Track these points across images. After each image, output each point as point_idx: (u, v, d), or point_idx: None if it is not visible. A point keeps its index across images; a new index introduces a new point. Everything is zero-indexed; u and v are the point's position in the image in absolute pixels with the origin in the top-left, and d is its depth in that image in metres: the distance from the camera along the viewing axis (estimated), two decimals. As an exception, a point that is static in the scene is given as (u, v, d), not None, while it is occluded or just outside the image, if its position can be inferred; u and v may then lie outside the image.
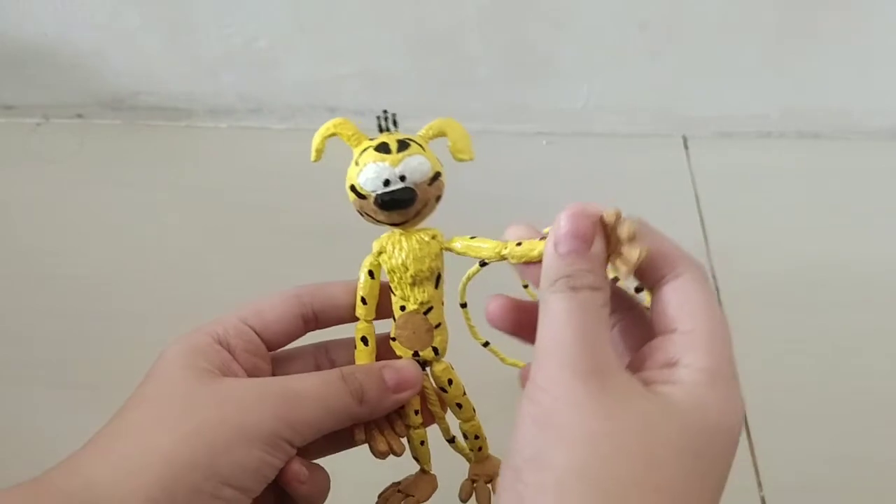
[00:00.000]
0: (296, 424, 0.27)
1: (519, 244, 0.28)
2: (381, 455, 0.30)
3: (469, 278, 0.43)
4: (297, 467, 0.28)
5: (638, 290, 0.34)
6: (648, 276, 0.26)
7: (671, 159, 0.68)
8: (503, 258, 0.28)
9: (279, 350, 0.32)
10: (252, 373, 0.29)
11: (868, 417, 0.47)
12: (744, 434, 0.46)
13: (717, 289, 0.54)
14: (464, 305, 0.44)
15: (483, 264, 0.40)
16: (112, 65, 0.71)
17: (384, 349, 0.31)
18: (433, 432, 0.32)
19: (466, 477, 0.33)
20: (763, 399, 0.48)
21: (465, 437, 0.32)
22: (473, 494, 0.32)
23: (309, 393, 0.28)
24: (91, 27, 0.69)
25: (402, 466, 0.33)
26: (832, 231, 0.60)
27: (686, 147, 0.69)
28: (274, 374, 0.31)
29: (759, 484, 0.44)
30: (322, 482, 0.30)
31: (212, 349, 0.28)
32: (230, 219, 0.63)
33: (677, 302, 0.25)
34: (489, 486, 0.32)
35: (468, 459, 0.33)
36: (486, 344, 0.47)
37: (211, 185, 0.67)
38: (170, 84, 0.72)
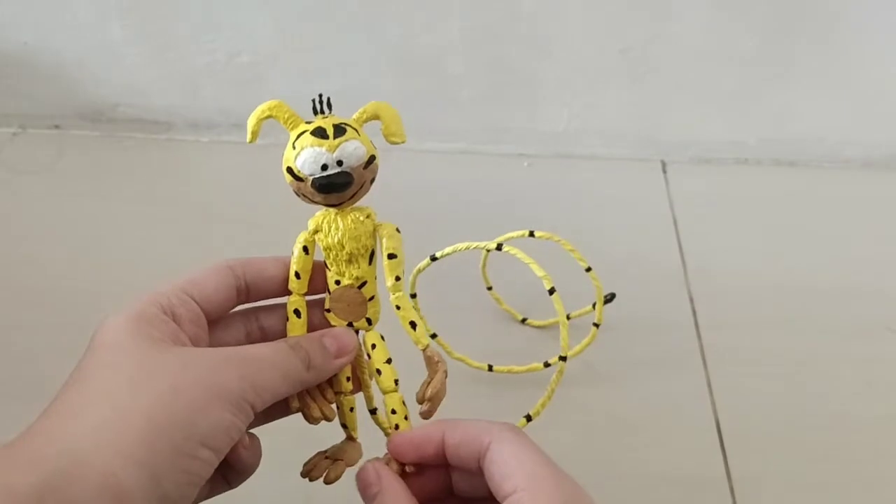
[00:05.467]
0: (258, 388, 0.28)
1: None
2: (314, 421, 0.31)
3: (420, 271, 0.44)
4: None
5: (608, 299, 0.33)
6: (466, 460, 0.29)
7: (650, 183, 0.68)
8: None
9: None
10: (196, 343, 0.29)
11: (842, 438, 0.47)
12: (719, 454, 0.46)
13: (694, 311, 0.54)
14: (413, 296, 0.45)
15: (434, 259, 0.41)
16: (92, 76, 0.71)
17: (314, 320, 0.32)
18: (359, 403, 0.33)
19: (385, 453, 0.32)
20: (737, 420, 0.48)
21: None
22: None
23: (266, 359, 0.29)
24: (72, 37, 0.68)
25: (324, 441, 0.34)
26: (807, 256, 0.61)
27: (665, 171, 0.70)
28: (209, 344, 0.31)
29: (734, 507, 0.44)
30: (258, 450, 0.31)
31: (160, 319, 0.28)
32: (210, 233, 0.62)
33: (494, 471, 0.27)
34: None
35: (385, 433, 0.33)
36: (433, 336, 0.47)
37: (191, 199, 0.66)
38: (150, 97, 0.72)
